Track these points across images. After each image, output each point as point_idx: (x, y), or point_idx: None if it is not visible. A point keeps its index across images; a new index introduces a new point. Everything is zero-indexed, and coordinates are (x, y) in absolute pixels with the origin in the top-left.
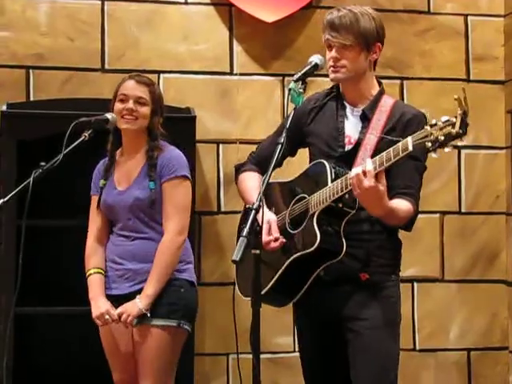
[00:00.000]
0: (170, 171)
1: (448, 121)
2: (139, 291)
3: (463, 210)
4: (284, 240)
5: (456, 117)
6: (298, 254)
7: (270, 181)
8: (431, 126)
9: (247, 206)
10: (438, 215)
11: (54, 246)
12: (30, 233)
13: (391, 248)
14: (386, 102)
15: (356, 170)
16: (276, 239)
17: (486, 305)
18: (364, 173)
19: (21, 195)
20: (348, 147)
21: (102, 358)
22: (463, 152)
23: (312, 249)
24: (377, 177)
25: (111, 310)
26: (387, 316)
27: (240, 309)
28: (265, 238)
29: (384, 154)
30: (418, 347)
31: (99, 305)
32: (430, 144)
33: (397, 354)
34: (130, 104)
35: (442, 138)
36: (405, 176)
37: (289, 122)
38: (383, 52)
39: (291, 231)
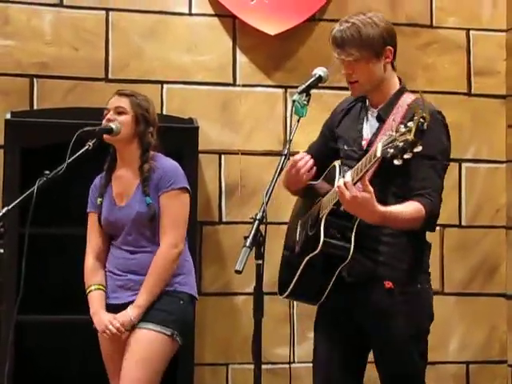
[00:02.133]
0: (168, 183)
1: (407, 127)
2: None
3: (463, 224)
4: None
5: (414, 121)
6: (308, 256)
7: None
8: (397, 131)
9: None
10: (438, 228)
11: (55, 254)
12: (31, 241)
13: (416, 250)
14: (405, 101)
15: (338, 183)
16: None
17: (485, 318)
18: (345, 185)
19: (23, 203)
20: (365, 149)
21: (102, 366)
22: (464, 165)
23: (316, 252)
24: (361, 185)
25: (113, 320)
26: (411, 331)
27: (239, 319)
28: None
29: (359, 163)
30: None
31: (102, 318)
32: (391, 150)
33: (422, 369)
34: (109, 115)
35: (401, 144)
36: (418, 177)
37: (293, 134)
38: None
39: (309, 233)
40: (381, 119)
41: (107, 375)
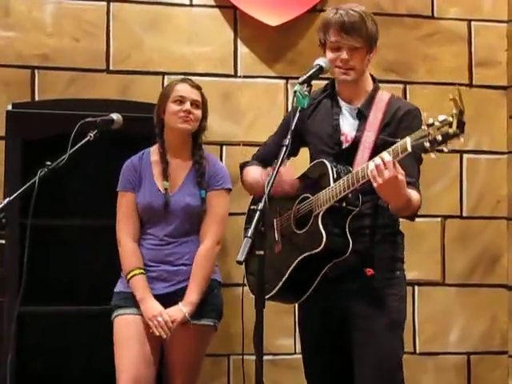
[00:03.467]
0: (218, 182)
1: (445, 120)
2: (175, 292)
3: (464, 215)
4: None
5: (452, 116)
6: (306, 254)
7: None
8: (428, 125)
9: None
10: (439, 219)
11: (57, 245)
12: (33, 232)
13: (394, 241)
14: (382, 98)
15: (376, 162)
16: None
17: (486, 309)
18: (384, 164)
19: (25, 194)
20: (345, 145)
21: (106, 357)
22: (465, 156)
23: (319, 249)
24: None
25: (164, 313)
26: (390, 316)
27: (241, 310)
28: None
29: (388, 150)
30: (418, 350)
31: (152, 305)
32: (428, 144)
33: (402, 353)
34: (188, 105)
35: (440, 137)
36: (406, 166)
37: (294, 123)
38: (386, 56)
39: (297, 231)
40: (362, 116)
41: (111, 367)
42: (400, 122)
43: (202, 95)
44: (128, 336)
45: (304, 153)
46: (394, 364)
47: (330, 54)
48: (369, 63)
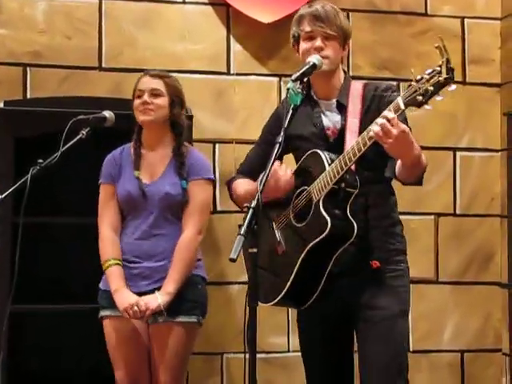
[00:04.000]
0: (199, 172)
1: (433, 71)
2: (157, 289)
3: (458, 212)
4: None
5: (440, 65)
6: (312, 243)
7: None
8: (417, 81)
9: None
10: (432, 217)
11: (49, 243)
12: (25, 230)
13: (397, 233)
14: (356, 87)
15: (379, 121)
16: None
17: (480, 307)
18: (389, 121)
19: (17, 193)
20: (332, 138)
21: (98, 355)
22: (459, 154)
23: (325, 234)
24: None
25: (140, 301)
26: (399, 306)
27: (235, 309)
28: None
29: (388, 108)
30: (411, 348)
31: (125, 296)
32: (421, 97)
33: (407, 344)
34: (145, 97)
35: (432, 88)
36: None
37: (287, 120)
38: (380, 53)
39: (298, 225)
40: (342, 106)
41: (103, 364)
42: (381, 97)
43: (167, 83)
44: (119, 340)
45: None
46: (402, 354)
47: (303, 45)
48: (342, 59)
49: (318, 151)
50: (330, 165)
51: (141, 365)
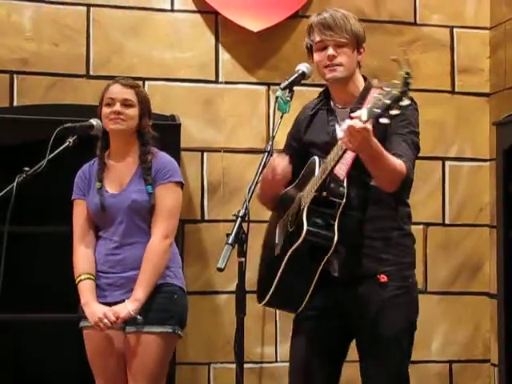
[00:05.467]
0: (165, 176)
1: (392, 84)
2: (127, 298)
3: (447, 222)
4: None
5: (398, 78)
6: (291, 249)
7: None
8: (379, 92)
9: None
10: (421, 227)
11: (35, 252)
12: (10, 238)
13: (406, 245)
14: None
15: (346, 123)
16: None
17: (469, 317)
18: (352, 127)
19: (3, 201)
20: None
21: (81, 364)
22: (447, 164)
23: (298, 242)
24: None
25: (108, 312)
26: (403, 324)
27: (222, 319)
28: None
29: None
30: None
31: (94, 309)
32: (378, 110)
33: (409, 360)
34: (117, 107)
35: (388, 101)
36: (392, 144)
37: (276, 130)
38: (369, 62)
39: (289, 229)
40: None
41: (87, 373)
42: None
43: (138, 93)
44: (97, 350)
45: None
46: (404, 373)
47: (316, 57)
48: (358, 64)
49: (316, 158)
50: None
51: (119, 374)
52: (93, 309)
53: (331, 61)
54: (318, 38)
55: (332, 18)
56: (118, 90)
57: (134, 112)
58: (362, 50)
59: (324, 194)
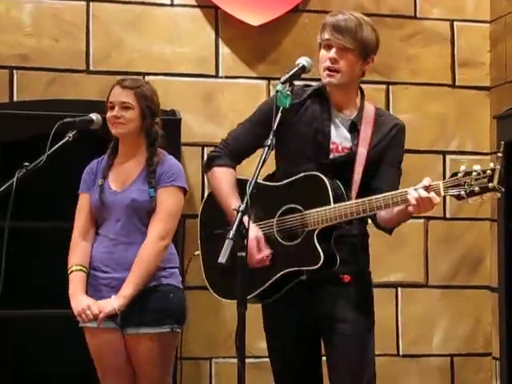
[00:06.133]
0: (169, 179)
1: (484, 172)
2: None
3: (448, 216)
4: (270, 253)
5: (493, 170)
6: (295, 268)
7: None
8: (465, 174)
9: (233, 208)
10: (422, 221)
11: (35, 247)
12: (11, 234)
13: (367, 248)
14: (368, 111)
15: (434, 198)
16: (267, 257)
17: (470, 311)
18: (428, 188)
19: (3, 197)
20: (335, 155)
21: (82, 364)
22: (448, 157)
23: (316, 267)
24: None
25: (92, 305)
26: (369, 319)
27: (224, 313)
28: (256, 255)
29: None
30: (401, 352)
31: (79, 300)
32: (463, 193)
33: (374, 354)
34: (115, 111)
35: (478, 189)
36: (389, 182)
37: (276, 124)
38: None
39: (284, 242)
40: (355, 129)
41: (88, 369)
42: (393, 137)
43: (137, 94)
44: (100, 351)
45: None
46: (371, 366)
47: (320, 53)
48: (361, 73)
49: (324, 179)
50: (335, 201)
51: (123, 373)
52: (78, 299)
53: (332, 64)
54: (326, 36)
55: (345, 22)
56: (117, 93)
57: (132, 114)
58: (369, 60)
59: (342, 224)
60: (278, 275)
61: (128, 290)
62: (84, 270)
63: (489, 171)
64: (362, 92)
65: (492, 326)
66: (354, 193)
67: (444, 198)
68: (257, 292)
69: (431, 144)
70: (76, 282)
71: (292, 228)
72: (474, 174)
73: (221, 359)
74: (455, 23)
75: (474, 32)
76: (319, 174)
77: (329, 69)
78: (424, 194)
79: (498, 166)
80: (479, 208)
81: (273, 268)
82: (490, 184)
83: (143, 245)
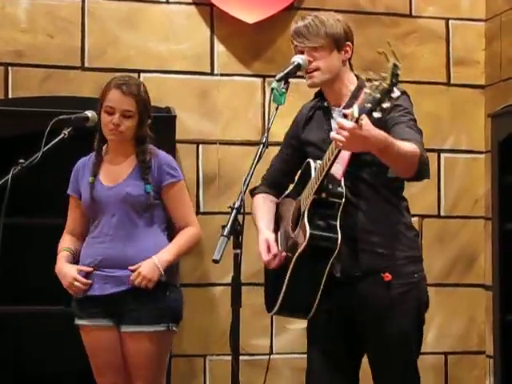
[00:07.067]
0: (172, 176)
1: (381, 77)
2: (122, 292)
3: (442, 214)
4: (284, 254)
5: (385, 71)
6: (296, 254)
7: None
8: (369, 88)
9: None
10: (416, 219)
11: (31, 244)
12: (6, 230)
13: (409, 238)
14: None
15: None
16: (275, 255)
17: (464, 309)
18: (339, 125)
19: None
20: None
21: (81, 364)
22: (443, 156)
23: (303, 246)
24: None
25: (77, 276)
26: (412, 324)
27: (218, 311)
28: (264, 257)
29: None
30: None
31: (65, 272)
32: (369, 105)
33: (417, 359)
34: (116, 119)
35: (378, 95)
36: (399, 136)
37: (272, 121)
38: (364, 54)
39: (291, 233)
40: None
41: (83, 367)
42: (391, 109)
43: (139, 102)
44: (95, 349)
45: None
46: (413, 369)
47: None
48: (344, 63)
49: (310, 161)
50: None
51: (119, 371)
52: (63, 272)
53: (309, 66)
54: (294, 44)
55: (305, 25)
56: (118, 99)
57: (132, 123)
58: (347, 49)
59: (323, 195)
60: (290, 268)
61: (171, 256)
62: (70, 251)
63: (383, 73)
64: (358, 78)
65: (486, 324)
66: (340, 168)
67: (438, 196)
68: (280, 299)
69: (426, 142)
70: (60, 259)
71: (296, 218)
72: (374, 82)
73: (215, 356)
74: (450, 21)
75: (469, 30)
76: (308, 159)
77: (307, 71)
78: (335, 125)
79: (389, 64)
80: (474, 206)
81: (288, 263)
82: (385, 83)
83: (189, 229)
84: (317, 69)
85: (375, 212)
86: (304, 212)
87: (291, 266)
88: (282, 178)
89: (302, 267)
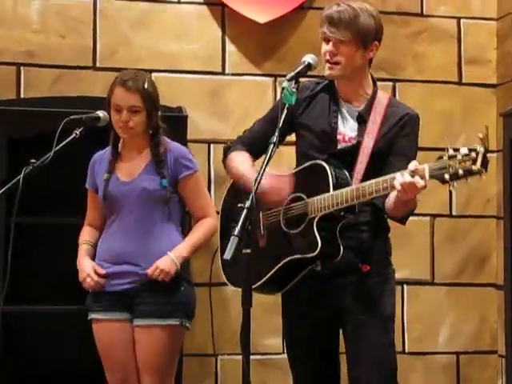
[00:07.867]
0: (188, 167)
1: (468, 155)
2: (138, 287)
3: (454, 213)
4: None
5: (477, 153)
6: (296, 256)
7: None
8: (450, 157)
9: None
10: (428, 218)
11: (43, 243)
12: (18, 230)
13: (386, 236)
14: (381, 101)
15: (405, 180)
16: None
17: (476, 308)
18: (414, 172)
19: (10, 193)
20: (342, 145)
21: (92, 356)
22: None
23: (313, 254)
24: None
25: (92, 273)
26: (388, 310)
27: (229, 310)
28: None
29: (405, 171)
30: (407, 350)
31: (82, 268)
32: (447, 177)
33: (394, 352)
34: (124, 115)
35: (461, 172)
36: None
37: (281, 121)
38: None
39: (287, 230)
40: (362, 120)
41: (96, 366)
42: (402, 127)
43: (144, 96)
44: (107, 343)
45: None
46: (393, 359)
47: (322, 47)
48: (365, 62)
49: (327, 167)
50: (334, 188)
51: (129, 367)
52: (82, 267)
53: (330, 57)
54: (322, 30)
55: (338, 14)
56: (123, 96)
57: (141, 117)
58: (373, 48)
59: (342, 213)
60: (281, 263)
61: (186, 251)
62: (90, 243)
63: (473, 154)
64: (375, 82)
65: (498, 323)
66: (356, 182)
67: (450, 195)
68: (262, 281)
69: (438, 141)
70: (80, 252)
71: (296, 216)
72: (458, 157)
73: (226, 356)
74: (462, 21)
75: (480, 29)
76: (323, 162)
77: (328, 62)
78: (408, 178)
79: (482, 149)
80: (485, 205)
81: (277, 256)
82: (474, 167)
83: (206, 221)
84: (338, 63)
85: (373, 213)
86: (313, 220)
87: (285, 260)
88: (257, 146)
89: (293, 263)
